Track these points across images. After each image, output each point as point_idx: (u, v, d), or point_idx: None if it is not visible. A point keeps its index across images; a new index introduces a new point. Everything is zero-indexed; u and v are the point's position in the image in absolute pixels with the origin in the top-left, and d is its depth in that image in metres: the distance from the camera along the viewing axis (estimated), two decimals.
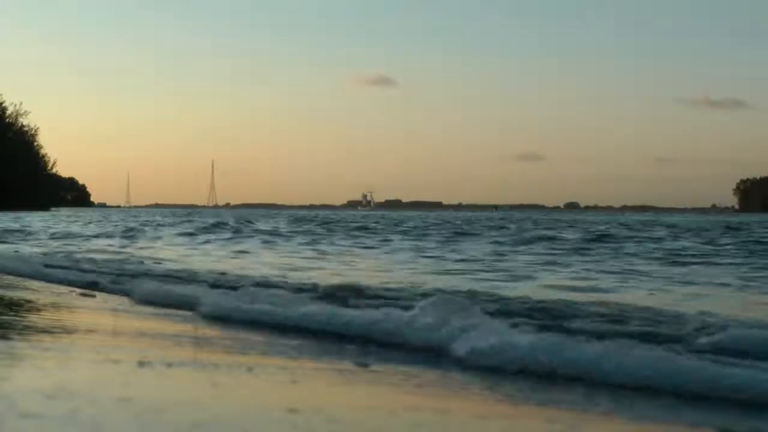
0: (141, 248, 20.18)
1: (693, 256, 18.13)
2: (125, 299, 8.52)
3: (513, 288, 10.30)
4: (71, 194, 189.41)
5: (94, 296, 8.58)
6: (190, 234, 29.65)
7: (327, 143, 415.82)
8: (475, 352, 4.75)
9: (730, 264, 15.53)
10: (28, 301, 7.50)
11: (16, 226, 35.84)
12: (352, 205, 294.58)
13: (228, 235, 29.11)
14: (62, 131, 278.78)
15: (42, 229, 32.56)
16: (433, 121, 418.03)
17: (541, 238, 26.53)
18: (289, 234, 30.39)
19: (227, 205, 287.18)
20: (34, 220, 48.57)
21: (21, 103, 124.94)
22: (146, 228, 35.38)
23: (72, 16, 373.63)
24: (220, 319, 6.77)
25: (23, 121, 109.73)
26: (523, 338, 4.80)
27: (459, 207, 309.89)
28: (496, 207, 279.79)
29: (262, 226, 40.15)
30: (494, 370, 4.54)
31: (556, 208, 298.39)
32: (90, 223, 44.94)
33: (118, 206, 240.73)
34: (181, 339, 5.78)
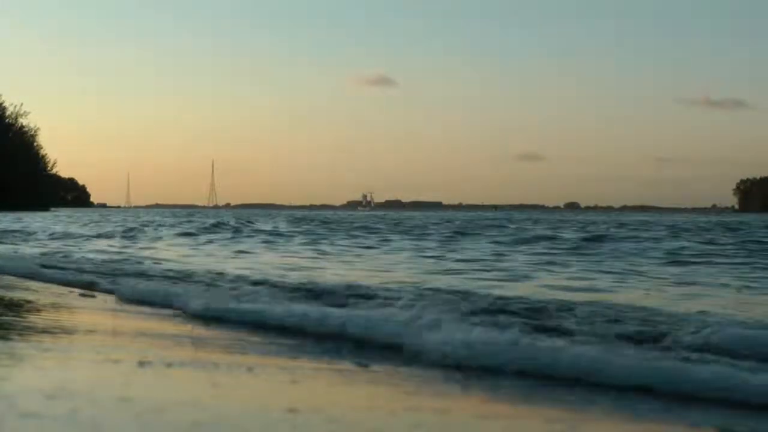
0: (141, 249, 20.18)
1: (692, 255, 18.13)
2: (112, 298, 8.54)
3: (509, 287, 10.28)
4: (71, 194, 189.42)
5: (93, 296, 8.58)
6: (191, 234, 29.65)
7: (327, 143, 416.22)
8: (435, 350, 4.87)
9: (730, 264, 15.53)
10: (28, 302, 7.51)
11: (16, 226, 35.83)
12: (352, 205, 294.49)
13: (229, 235, 29.11)
14: (62, 131, 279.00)
15: (42, 230, 32.55)
16: (433, 121, 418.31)
17: (540, 238, 26.53)
18: (289, 234, 30.39)
19: (227, 205, 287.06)
20: (35, 220, 48.56)
21: (21, 104, 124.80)
22: (146, 228, 35.37)
23: (72, 16, 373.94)
24: (208, 318, 6.78)
25: (23, 121, 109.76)
26: (481, 336, 4.91)
27: (459, 207, 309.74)
28: (495, 207, 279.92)
29: (262, 226, 40.16)
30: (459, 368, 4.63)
31: (556, 208, 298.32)
32: (90, 223, 44.93)
33: (118, 206, 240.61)
34: (180, 339, 5.78)
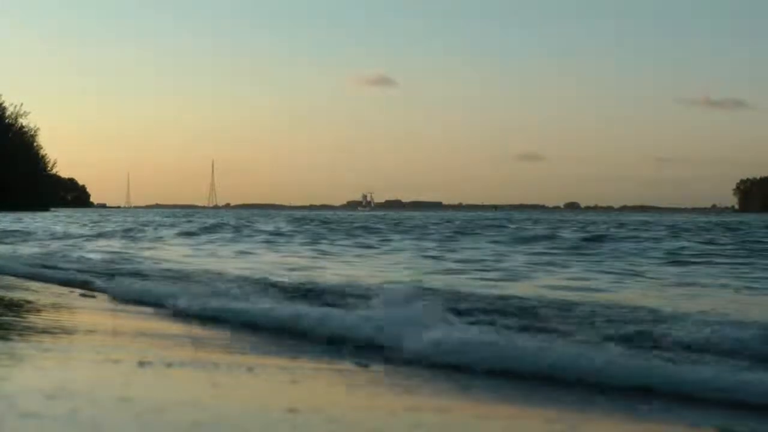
0: (141, 249, 20.18)
1: (692, 256, 18.14)
2: (105, 297, 8.55)
3: (508, 287, 10.28)
4: (71, 194, 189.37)
5: (93, 296, 8.59)
6: (191, 234, 29.66)
7: (327, 143, 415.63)
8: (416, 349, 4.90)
9: (730, 264, 15.52)
10: (28, 302, 7.51)
11: (16, 226, 35.84)
12: (352, 205, 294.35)
13: (229, 235, 29.12)
14: (62, 131, 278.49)
15: (42, 230, 32.56)
16: (433, 121, 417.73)
17: (540, 238, 26.54)
18: (289, 234, 30.41)
19: (227, 206, 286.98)
20: (35, 220, 48.58)
21: (21, 104, 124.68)
22: (146, 228, 35.37)
23: (72, 16, 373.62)
24: (206, 318, 6.78)
25: (23, 121, 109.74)
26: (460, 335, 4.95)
27: (459, 207, 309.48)
28: (495, 207, 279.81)
29: (262, 226, 40.17)
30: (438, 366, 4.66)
31: (556, 208, 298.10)
32: (90, 223, 44.93)
33: (118, 207, 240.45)
34: (180, 339, 5.78)
